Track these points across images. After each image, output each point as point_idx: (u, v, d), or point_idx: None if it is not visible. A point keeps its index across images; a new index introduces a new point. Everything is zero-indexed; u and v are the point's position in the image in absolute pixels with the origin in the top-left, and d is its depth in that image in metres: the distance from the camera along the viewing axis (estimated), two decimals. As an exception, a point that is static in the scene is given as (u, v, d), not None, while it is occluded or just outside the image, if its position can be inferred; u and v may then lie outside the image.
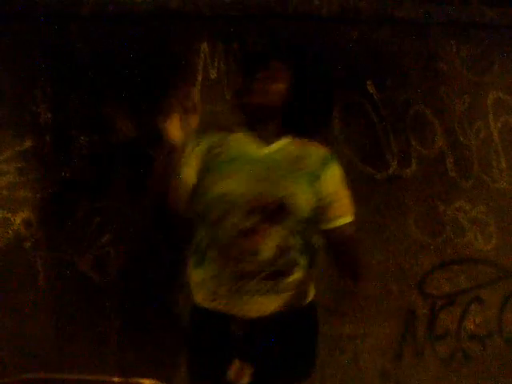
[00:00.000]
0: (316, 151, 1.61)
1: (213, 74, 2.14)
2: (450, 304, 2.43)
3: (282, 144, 1.60)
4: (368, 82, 2.23)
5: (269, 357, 1.55)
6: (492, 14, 2.27)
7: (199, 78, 2.13)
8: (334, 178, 1.60)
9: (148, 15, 2.09)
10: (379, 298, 2.37)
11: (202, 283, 1.59)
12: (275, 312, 1.55)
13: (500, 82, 2.36)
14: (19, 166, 2.09)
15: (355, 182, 2.24)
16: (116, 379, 0.71)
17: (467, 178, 2.35)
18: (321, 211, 1.58)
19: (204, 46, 2.12)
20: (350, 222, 1.61)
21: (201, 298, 1.61)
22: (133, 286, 2.18)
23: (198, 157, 1.59)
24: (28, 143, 2.09)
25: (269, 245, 1.51)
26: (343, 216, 1.60)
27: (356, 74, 2.22)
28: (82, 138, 2.11)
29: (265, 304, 1.54)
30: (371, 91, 2.23)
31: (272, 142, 1.59)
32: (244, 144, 1.60)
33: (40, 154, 2.10)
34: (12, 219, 2.12)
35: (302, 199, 1.53)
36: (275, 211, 1.50)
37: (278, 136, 1.60)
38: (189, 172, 1.57)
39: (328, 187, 1.58)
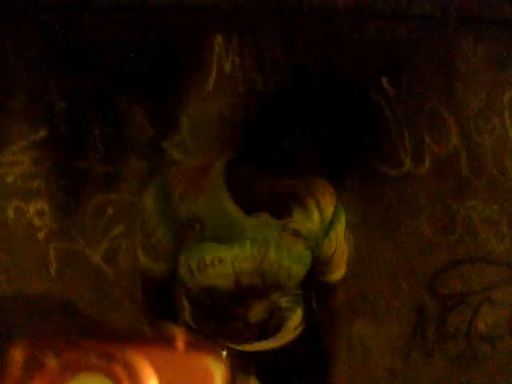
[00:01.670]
0: (317, 212, 1.29)
1: (227, 68, 2.14)
2: (460, 304, 2.42)
3: (268, 216, 1.27)
4: (383, 78, 2.22)
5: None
6: (511, 9, 2.24)
7: (213, 72, 2.13)
8: (336, 240, 1.35)
9: (162, 7, 2.09)
10: (389, 296, 2.36)
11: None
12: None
13: (517, 80, 2.34)
14: (34, 155, 2.11)
15: (368, 179, 2.26)
16: (146, 327, 0.70)
17: (481, 177, 2.34)
18: (316, 265, 1.38)
19: (218, 39, 2.12)
20: (342, 275, 1.46)
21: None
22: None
23: (170, 225, 1.27)
24: (42, 133, 2.10)
25: (257, 309, 1.39)
26: (338, 270, 1.44)
27: (371, 70, 2.20)
28: (97, 128, 2.11)
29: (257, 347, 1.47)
30: (386, 87, 2.22)
31: (254, 210, 1.26)
32: (227, 217, 1.26)
33: (55, 144, 2.11)
34: (26, 209, 2.13)
35: (299, 272, 1.35)
36: (268, 289, 1.36)
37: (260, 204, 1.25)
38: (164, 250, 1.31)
39: (329, 249, 1.36)
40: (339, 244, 1.37)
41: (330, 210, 1.31)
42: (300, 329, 1.51)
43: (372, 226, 2.30)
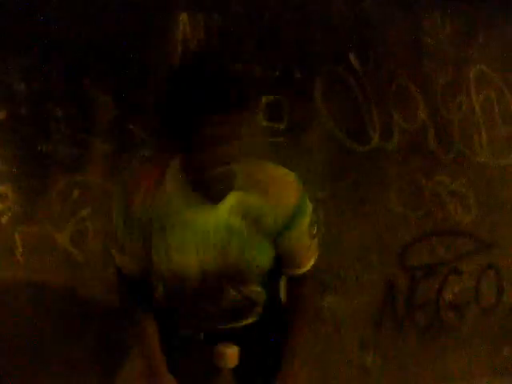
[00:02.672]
0: (280, 202, 1.28)
1: (193, 45, 2.08)
2: (429, 275, 2.47)
3: (234, 201, 1.27)
4: (351, 55, 2.20)
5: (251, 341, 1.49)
6: (477, -14, 2.24)
7: (179, 50, 2.07)
8: (300, 231, 1.34)
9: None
10: (359, 270, 2.39)
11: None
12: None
13: (483, 55, 2.35)
14: (-7, 138, 2.04)
15: (337, 155, 2.26)
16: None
17: (448, 152, 2.36)
18: (280, 258, 1.39)
19: (183, 17, 2.06)
20: (308, 269, 1.44)
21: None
22: (112, 260, 2.16)
23: (135, 232, 1.32)
24: (2, 115, 2.03)
25: (227, 299, 1.42)
26: (304, 264, 1.42)
27: (339, 46, 2.18)
28: (60, 110, 2.05)
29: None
30: (354, 64, 2.20)
31: (215, 201, 1.26)
32: (188, 210, 1.28)
33: (16, 127, 2.04)
34: (-13, 193, 2.08)
35: (263, 264, 1.35)
36: (233, 277, 1.37)
37: (221, 193, 1.25)
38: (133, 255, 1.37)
39: (291, 243, 1.35)
40: (303, 238, 1.36)
41: (291, 203, 1.29)
42: (264, 310, 1.53)
43: (341, 201, 2.31)
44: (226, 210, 1.28)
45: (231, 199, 1.27)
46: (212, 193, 1.24)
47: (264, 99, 2.16)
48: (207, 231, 1.30)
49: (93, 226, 2.15)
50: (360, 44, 2.19)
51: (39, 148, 2.07)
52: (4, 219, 2.09)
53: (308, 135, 2.22)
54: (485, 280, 2.55)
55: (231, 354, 1.41)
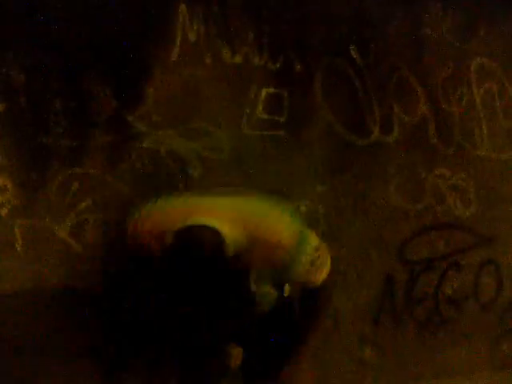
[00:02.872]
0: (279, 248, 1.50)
1: (192, 38, 2.08)
2: (428, 269, 2.46)
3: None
4: (351, 47, 2.19)
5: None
6: (480, -23, 2.23)
7: (177, 41, 2.07)
8: (306, 259, 1.56)
9: (124, -26, 2.01)
10: (359, 263, 2.38)
11: None
12: None
13: (484, 48, 2.34)
14: (-8, 130, 2.04)
15: (337, 149, 2.26)
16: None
17: (448, 145, 2.35)
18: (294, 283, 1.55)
19: (182, 8, 2.05)
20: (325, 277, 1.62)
21: None
22: (111, 253, 2.16)
23: None
24: (0, 107, 2.02)
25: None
26: (315, 282, 1.60)
27: (339, 39, 2.17)
28: (59, 102, 2.05)
29: None
30: (354, 56, 2.19)
31: None
32: None
33: (14, 119, 2.03)
34: (-14, 186, 2.07)
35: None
36: None
37: None
38: None
39: (300, 270, 1.56)
40: (308, 268, 1.50)
41: (291, 243, 1.45)
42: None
43: (340, 195, 2.30)
44: None
45: None
46: None
47: (264, 92, 2.15)
48: None
49: (92, 219, 2.14)
50: (360, 37, 2.18)
51: (39, 140, 2.06)
52: (3, 211, 2.09)
53: (308, 128, 2.21)
54: (484, 275, 2.55)
55: (236, 354, 1.43)
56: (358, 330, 2.46)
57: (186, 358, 1.61)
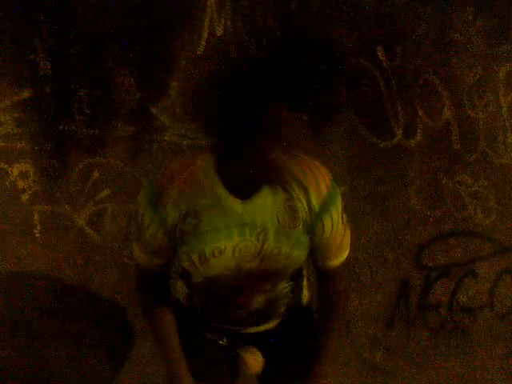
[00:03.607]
0: (313, 189, 1.30)
1: (219, 32, 2.07)
2: (444, 276, 2.44)
3: (268, 195, 1.29)
4: (378, 49, 2.17)
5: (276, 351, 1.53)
6: (512, -18, 2.19)
7: (204, 35, 2.07)
8: (332, 222, 1.34)
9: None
10: (374, 266, 2.37)
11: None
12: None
13: (514, 54, 2.31)
14: (17, 116, 2.05)
15: (358, 150, 2.24)
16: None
17: (471, 152, 2.32)
18: (315, 251, 1.40)
19: (211, 2, 2.05)
20: (343, 261, 1.43)
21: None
22: (128, 243, 2.17)
23: (162, 228, 1.30)
24: (27, 93, 2.04)
25: (258, 299, 1.43)
26: (338, 256, 1.41)
27: (366, 40, 2.15)
28: (83, 91, 2.06)
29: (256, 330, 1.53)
30: (381, 58, 2.18)
31: (249, 196, 1.28)
32: (223, 207, 1.27)
33: (39, 106, 2.05)
34: (9, 171, 2.09)
35: (299, 257, 1.36)
36: (267, 276, 1.39)
37: (254, 188, 1.28)
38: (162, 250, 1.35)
39: (326, 232, 1.34)
40: (335, 229, 1.35)
41: (324, 192, 1.30)
42: (285, 313, 1.54)
43: (360, 196, 2.29)
44: (260, 205, 1.28)
45: (265, 193, 1.28)
46: (245, 188, 1.26)
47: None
48: (243, 229, 1.29)
49: (111, 208, 2.16)
50: (388, 38, 2.15)
51: (61, 128, 2.08)
52: (25, 197, 2.11)
53: (330, 128, 2.20)
54: (501, 284, 2.52)
55: (255, 362, 1.42)
56: (370, 333, 2.45)
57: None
